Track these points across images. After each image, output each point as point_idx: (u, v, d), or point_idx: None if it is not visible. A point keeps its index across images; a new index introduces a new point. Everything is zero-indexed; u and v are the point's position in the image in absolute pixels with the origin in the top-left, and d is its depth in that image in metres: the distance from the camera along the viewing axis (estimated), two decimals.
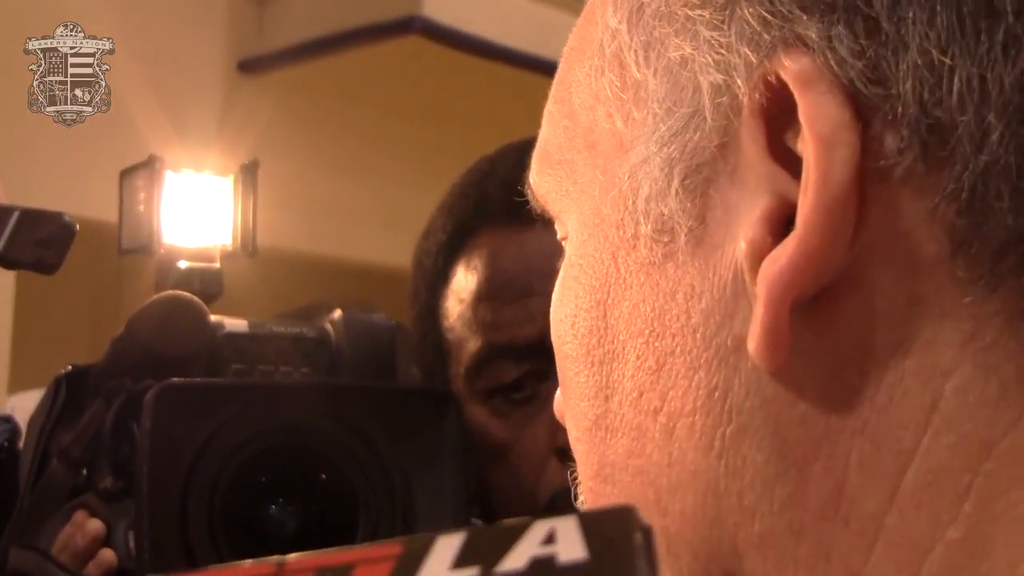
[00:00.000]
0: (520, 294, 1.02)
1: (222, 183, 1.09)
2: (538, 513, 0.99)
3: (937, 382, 0.36)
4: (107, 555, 0.97)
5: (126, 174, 1.07)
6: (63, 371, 1.07)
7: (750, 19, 0.37)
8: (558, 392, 0.47)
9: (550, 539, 0.28)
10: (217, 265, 1.09)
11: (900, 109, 0.35)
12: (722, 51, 0.38)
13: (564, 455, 1.04)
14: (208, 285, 1.08)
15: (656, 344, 0.40)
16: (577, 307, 0.43)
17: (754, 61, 0.37)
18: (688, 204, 0.39)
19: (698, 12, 0.39)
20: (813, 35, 0.36)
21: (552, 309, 0.45)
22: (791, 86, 0.36)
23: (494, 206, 1.07)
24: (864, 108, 0.36)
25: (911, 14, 0.35)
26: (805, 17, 0.36)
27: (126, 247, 1.08)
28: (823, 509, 0.37)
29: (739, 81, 0.38)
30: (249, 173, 1.10)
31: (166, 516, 0.96)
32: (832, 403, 0.37)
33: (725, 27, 0.38)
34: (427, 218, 1.16)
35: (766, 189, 0.37)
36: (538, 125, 0.48)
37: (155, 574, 0.92)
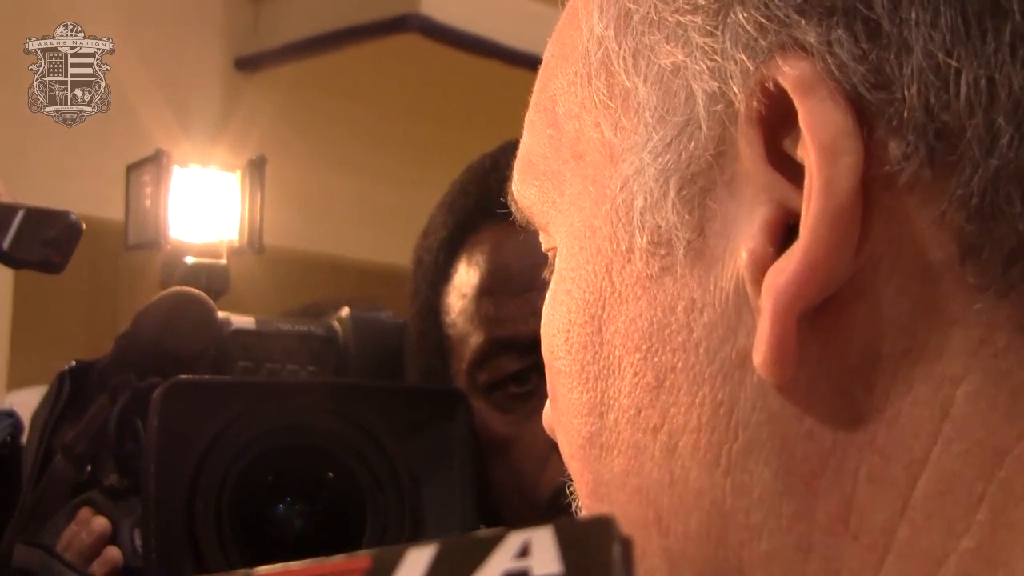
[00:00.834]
0: (522, 288, 1.02)
1: (229, 179, 1.09)
2: (540, 509, 0.98)
3: (948, 390, 0.35)
4: (113, 553, 0.96)
5: (133, 169, 1.07)
6: (67, 366, 1.06)
7: (745, 24, 0.37)
8: (547, 405, 0.46)
9: (524, 552, 0.27)
10: (224, 261, 1.08)
11: (905, 114, 0.34)
12: (716, 57, 0.37)
13: None
14: (215, 281, 1.07)
15: (655, 360, 0.39)
16: (570, 322, 0.42)
17: (750, 67, 0.36)
18: (686, 215, 0.38)
19: (689, 18, 0.38)
20: (812, 39, 0.35)
21: (543, 323, 0.44)
22: (790, 92, 0.36)
23: (495, 202, 1.06)
24: (867, 114, 0.35)
25: (914, 15, 0.34)
26: (803, 21, 0.36)
27: (132, 242, 1.07)
28: (832, 524, 0.36)
29: (735, 88, 0.37)
30: (256, 169, 1.09)
31: (173, 515, 0.95)
32: (840, 416, 0.36)
33: (719, 33, 0.37)
34: (426, 216, 1.16)
35: (766, 198, 0.36)
36: None
37: None
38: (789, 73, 0.36)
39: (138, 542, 0.96)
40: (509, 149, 1.10)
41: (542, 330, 0.44)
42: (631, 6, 0.40)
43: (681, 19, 0.38)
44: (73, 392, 1.05)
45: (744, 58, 0.36)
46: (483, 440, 1.05)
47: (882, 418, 0.36)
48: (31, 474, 1.05)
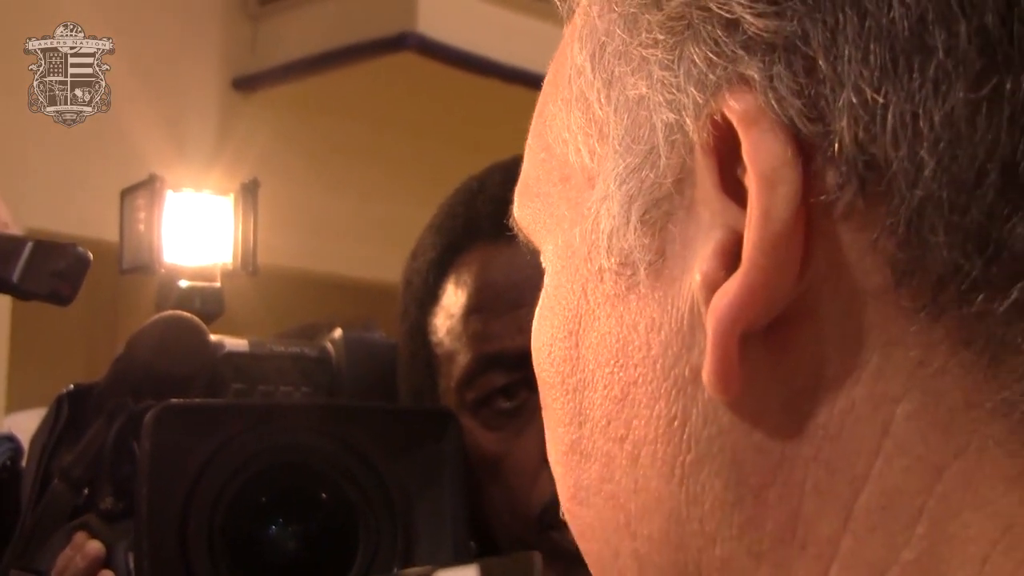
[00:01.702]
0: (510, 306, 1.03)
1: (222, 202, 1.09)
2: (530, 525, 0.99)
3: (888, 408, 0.36)
4: None
5: (127, 193, 1.07)
6: (65, 389, 1.07)
7: (697, 59, 0.38)
8: None
9: None
10: (218, 284, 1.09)
11: (837, 146, 0.36)
12: (673, 90, 0.39)
13: None
14: (209, 304, 1.08)
15: (620, 374, 0.41)
16: (553, 336, 0.45)
17: (700, 101, 0.38)
18: (646, 240, 0.40)
19: (651, 52, 0.40)
20: (755, 75, 0.37)
21: (532, 336, 0.47)
22: (735, 125, 0.37)
23: (483, 224, 1.08)
24: (806, 145, 0.36)
25: (847, 52, 0.36)
26: (747, 57, 0.37)
27: (127, 266, 1.08)
28: (781, 533, 0.38)
29: (688, 120, 0.38)
30: (249, 192, 1.10)
31: (166, 537, 0.96)
32: (787, 431, 0.38)
33: (675, 67, 0.39)
34: (414, 235, 1.16)
35: (719, 223, 0.38)
36: None
37: None
38: (734, 106, 0.37)
39: (132, 565, 0.97)
40: (496, 171, 1.11)
41: (532, 343, 0.47)
42: (604, 39, 0.42)
43: (644, 53, 0.40)
44: (71, 416, 1.06)
45: (695, 91, 0.38)
46: (473, 458, 1.06)
47: (827, 434, 0.37)
48: (30, 498, 1.05)
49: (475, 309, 1.05)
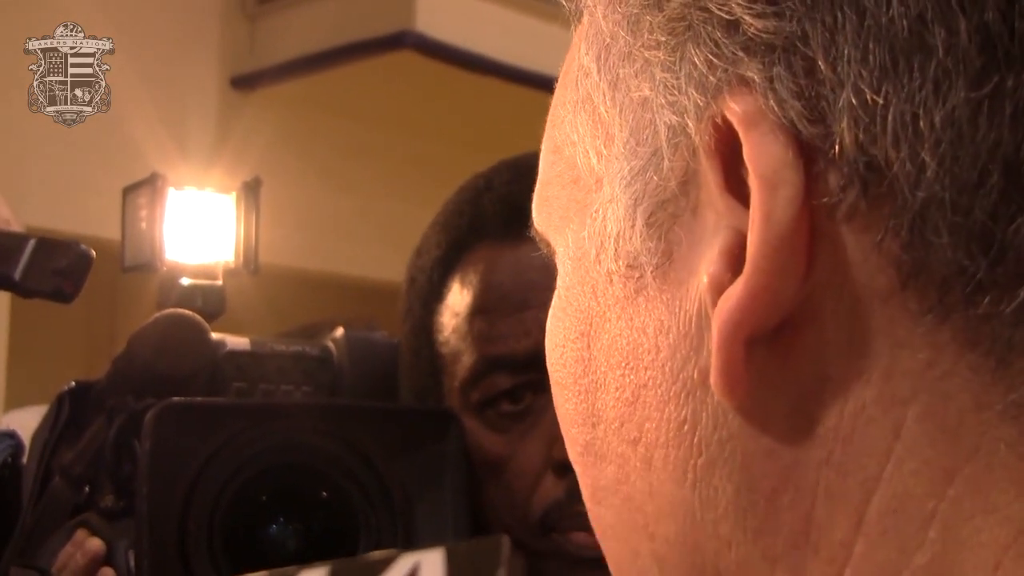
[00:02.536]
0: (516, 308, 1.02)
1: (224, 200, 1.09)
2: (532, 528, 0.98)
3: (898, 411, 0.36)
4: (107, 574, 0.97)
5: (129, 191, 1.07)
6: (67, 387, 1.07)
7: (697, 61, 0.38)
8: None
9: (413, 573, 0.27)
10: (219, 282, 1.09)
11: (838, 148, 0.36)
12: (675, 92, 0.39)
13: (561, 469, 1.04)
14: (210, 302, 1.07)
15: (631, 377, 0.41)
16: (565, 337, 0.44)
17: (702, 103, 0.38)
18: (652, 242, 0.40)
19: (653, 53, 0.40)
20: (755, 76, 0.37)
21: (547, 337, 0.47)
22: (736, 127, 0.37)
23: (489, 222, 1.07)
24: (807, 147, 0.36)
25: (846, 52, 0.35)
26: (747, 58, 0.37)
27: (129, 264, 1.07)
28: (794, 538, 0.38)
29: (690, 122, 0.38)
30: (251, 190, 1.10)
31: (166, 536, 0.96)
32: (796, 435, 0.37)
33: (676, 68, 0.39)
34: (416, 234, 1.16)
35: (724, 225, 0.38)
36: (535, 139, 0.49)
37: None
38: (735, 108, 0.37)
39: (132, 563, 0.97)
40: (502, 169, 1.11)
41: (546, 344, 0.47)
42: (609, 40, 0.42)
43: (647, 54, 0.40)
44: (72, 413, 1.06)
45: (696, 94, 0.38)
46: (475, 459, 1.06)
47: (837, 437, 0.37)
48: (31, 495, 1.05)
49: (481, 310, 1.05)
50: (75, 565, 0.97)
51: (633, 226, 0.40)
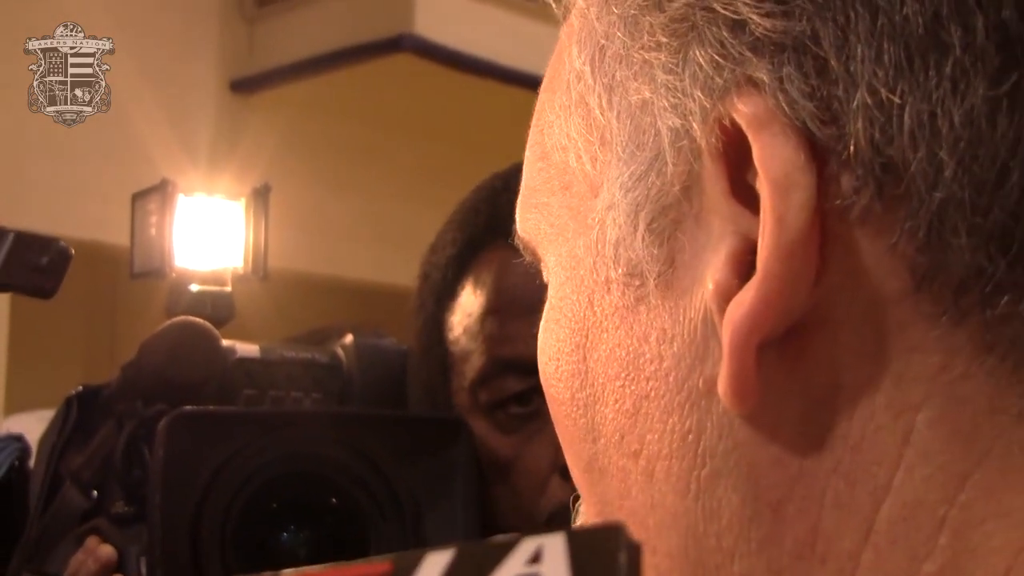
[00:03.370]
0: (528, 309, 1.02)
1: (233, 207, 1.09)
2: (538, 530, 0.98)
3: (909, 416, 0.35)
4: None
5: (138, 197, 1.07)
6: (74, 391, 1.07)
7: (702, 62, 0.37)
8: None
9: (536, 558, 0.28)
10: (228, 289, 1.09)
11: (853, 149, 0.35)
12: (678, 95, 0.38)
13: (568, 472, 1.04)
14: (219, 309, 1.07)
15: (631, 388, 0.40)
16: (559, 350, 0.43)
17: (707, 105, 0.37)
18: (655, 249, 0.39)
19: (654, 55, 0.39)
20: (764, 77, 0.36)
21: (538, 351, 0.45)
22: (744, 129, 0.36)
23: (505, 222, 1.06)
24: (819, 148, 0.36)
25: (859, 51, 0.35)
26: (755, 59, 0.36)
27: (138, 271, 1.07)
28: (800, 549, 0.37)
29: (695, 125, 0.37)
30: (260, 197, 1.10)
31: (178, 543, 0.96)
32: (805, 443, 0.37)
33: (679, 70, 0.38)
34: (416, 236, 1.16)
35: (730, 230, 0.37)
36: None
37: None
38: (743, 110, 0.36)
39: (144, 570, 0.96)
40: (519, 169, 1.10)
41: (539, 358, 0.45)
42: (604, 42, 0.41)
43: (647, 56, 0.39)
44: (80, 417, 1.06)
45: (702, 95, 0.37)
46: (483, 459, 1.05)
47: (846, 445, 0.36)
48: (38, 499, 1.05)
49: (493, 310, 1.05)
50: (87, 572, 0.97)
51: (634, 232, 0.39)
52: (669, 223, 0.39)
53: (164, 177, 1.06)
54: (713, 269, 0.37)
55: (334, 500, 1.03)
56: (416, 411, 1.10)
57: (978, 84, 0.34)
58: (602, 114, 0.41)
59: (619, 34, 0.40)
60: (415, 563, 0.29)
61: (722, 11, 0.37)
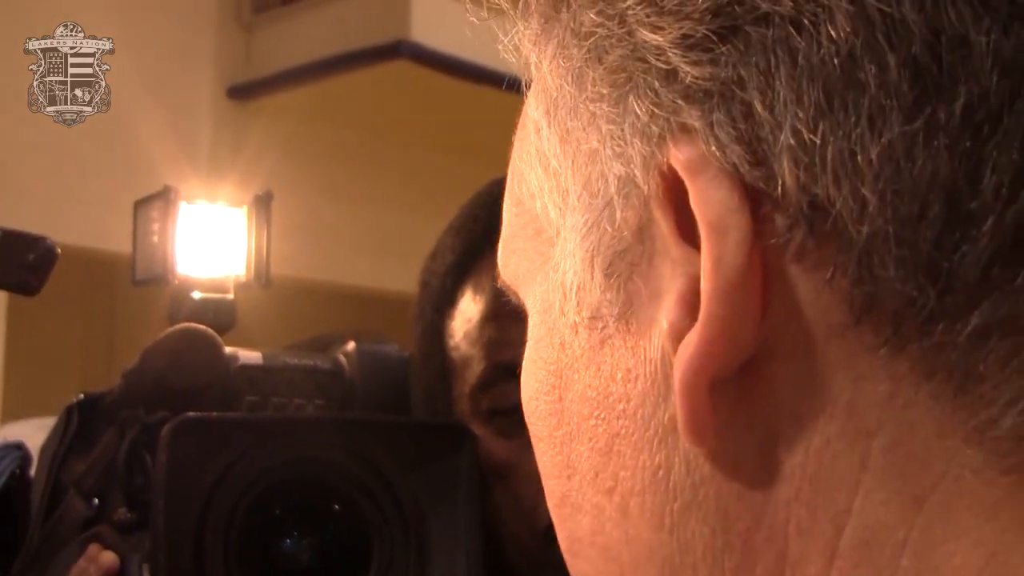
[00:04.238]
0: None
1: (236, 214, 1.09)
2: (538, 535, 0.98)
3: (864, 442, 0.36)
4: None
5: (140, 205, 1.07)
6: (76, 399, 1.07)
7: (639, 112, 0.38)
8: None
9: None
10: (231, 296, 1.09)
11: (781, 189, 0.36)
12: (620, 143, 0.39)
13: None
14: (222, 316, 1.08)
15: (603, 427, 0.41)
16: (537, 390, 0.45)
17: (646, 153, 0.38)
18: (611, 293, 0.40)
19: (597, 106, 0.40)
20: (696, 124, 0.37)
21: (522, 390, 0.47)
22: (681, 174, 0.37)
23: None
24: (751, 190, 0.36)
25: (781, 95, 0.35)
26: (687, 106, 0.37)
27: (140, 278, 1.08)
28: (770, 575, 0.38)
29: (638, 172, 0.38)
30: (262, 204, 1.10)
31: (182, 549, 0.96)
32: (765, 475, 0.37)
33: (620, 120, 0.39)
34: (417, 243, 1.16)
35: (680, 271, 0.38)
36: None
37: None
38: (679, 156, 0.37)
39: None
40: None
41: (521, 396, 0.47)
42: (555, 94, 0.42)
43: (591, 107, 0.40)
44: (81, 425, 1.06)
45: (640, 144, 0.38)
46: (483, 464, 1.06)
47: (804, 474, 0.37)
48: (39, 507, 1.05)
49: (492, 316, 1.05)
50: None
51: (592, 278, 0.40)
52: (625, 267, 0.40)
53: (166, 184, 1.06)
54: (666, 310, 0.38)
55: (337, 506, 1.03)
56: (419, 417, 1.10)
57: (894, 120, 0.34)
58: (559, 164, 0.42)
59: (567, 86, 0.41)
60: None
61: (654, 62, 0.38)
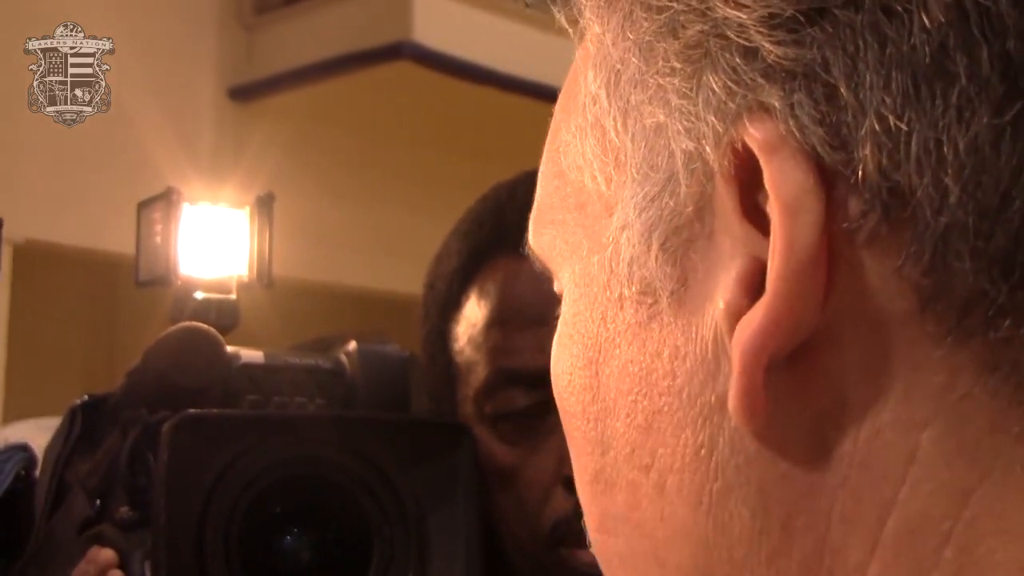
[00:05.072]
0: (533, 322, 1.02)
1: (238, 215, 1.10)
2: (541, 540, 0.98)
3: (914, 433, 0.36)
4: None
5: (143, 206, 1.08)
6: (79, 400, 1.07)
7: (715, 88, 0.38)
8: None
9: None
10: (233, 296, 1.09)
11: (861, 174, 0.36)
12: (692, 119, 0.39)
13: (571, 484, 1.04)
14: (224, 316, 1.08)
15: (644, 403, 0.41)
16: (573, 365, 0.45)
17: (720, 129, 0.38)
18: (668, 268, 0.40)
19: (668, 80, 0.40)
20: (776, 103, 0.37)
21: (552, 365, 0.47)
22: (756, 153, 0.37)
23: (510, 234, 1.07)
24: (828, 173, 0.36)
25: (868, 80, 0.36)
26: (767, 85, 0.37)
27: (143, 279, 1.08)
28: (808, 562, 0.38)
29: (708, 148, 0.38)
30: (264, 205, 1.11)
31: (183, 547, 0.96)
32: (813, 459, 0.38)
33: (693, 95, 0.39)
34: (420, 244, 1.17)
35: (741, 251, 0.38)
36: (535, 148, 0.49)
37: None
38: (755, 135, 0.37)
39: (148, 573, 0.97)
40: (525, 179, 1.11)
41: (552, 372, 0.47)
42: (619, 67, 0.42)
43: (661, 81, 0.40)
44: (85, 426, 1.06)
45: (715, 120, 0.38)
46: (487, 469, 1.06)
47: (853, 461, 0.37)
48: (43, 508, 1.05)
49: (497, 322, 1.05)
50: None
51: (648, 251, 0.40)
52: (682, 243, 0.40)
53: (169, 185, 1.06)
54: (724, 288, 0.38)
55: (337, 504, 1.04)
56: (419, 415, 1.11)
57: (982, 112, 0.35)
58: (617, 136, 0.42)
59: (634, 59, 0.41)
60: None
61: (735, 39, 0.38)
